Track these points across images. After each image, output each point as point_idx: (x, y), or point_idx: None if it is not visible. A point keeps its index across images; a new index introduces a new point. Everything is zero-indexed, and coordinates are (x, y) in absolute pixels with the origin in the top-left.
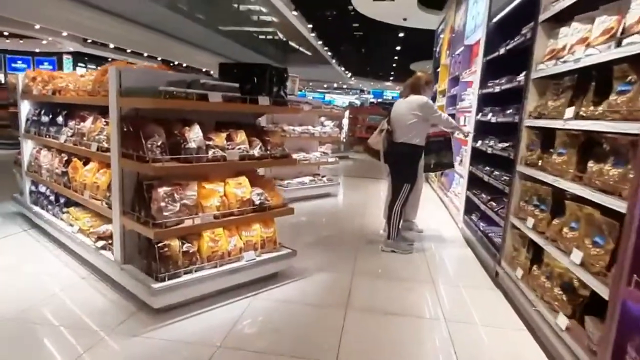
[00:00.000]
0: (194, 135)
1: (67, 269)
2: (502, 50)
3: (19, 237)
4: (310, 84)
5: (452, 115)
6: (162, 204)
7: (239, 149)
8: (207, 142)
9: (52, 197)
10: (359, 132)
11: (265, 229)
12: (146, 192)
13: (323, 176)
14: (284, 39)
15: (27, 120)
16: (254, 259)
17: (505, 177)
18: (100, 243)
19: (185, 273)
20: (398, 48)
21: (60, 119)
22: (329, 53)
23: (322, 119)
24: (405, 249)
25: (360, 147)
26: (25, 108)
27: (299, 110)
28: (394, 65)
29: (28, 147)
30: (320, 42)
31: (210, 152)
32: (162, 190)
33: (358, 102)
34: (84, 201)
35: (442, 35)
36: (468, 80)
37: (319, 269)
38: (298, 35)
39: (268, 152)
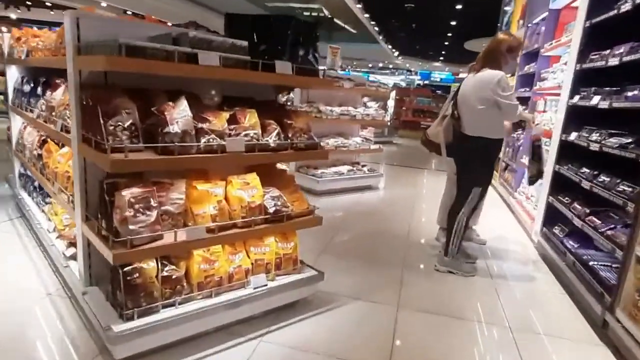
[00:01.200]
0: (179, 114)
1: (36, 279)
2: (626, 6)
3: (1, 227)
4: (355, 63)
5: (527, 99)
6: (128, 212)
7: (247, 135)
8: (200, 125)
9: (36, 183)
10: (405, 115)
11: (282, 243)
12: (107, 194)
13: (363, 165)
14: (330, 16)
15: (14, 90)
16: (265, 285)
17: (624, 187)
18: (71, 251)
19: (165, 307)
20: (453, 23)
21: (39, 89)
22: (376, 28)
23: (365, 99)
24: (467, 270)
25: (405, 132)
26: (12, 75)
27: (331, 84)
28: (446, 43)
29: (16, 123)
30: (367, 15)
31: (204, 140)
32: (128, 194)
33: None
34: (53, 194)
35: (511, 4)
36: (552, 55)
37: (352, 295)
38: (344, 11)
39: (289, 142)
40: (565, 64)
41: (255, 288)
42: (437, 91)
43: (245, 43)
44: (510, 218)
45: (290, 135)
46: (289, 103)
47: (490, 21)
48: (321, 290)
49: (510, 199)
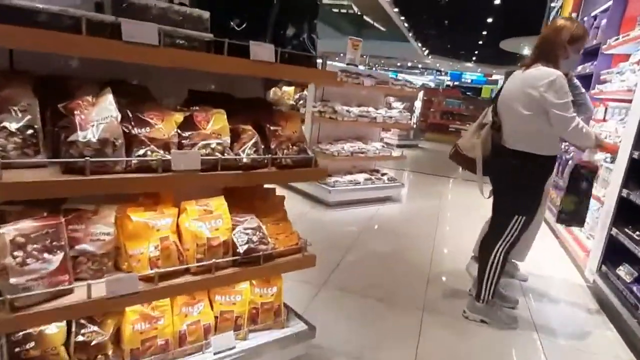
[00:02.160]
0: (98, 114)
1: None
2: None
3: None
4: (382, 61)
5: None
6: (11, 259)
7: (207, 146)
8: (136, 131)
9: None
10: (433, 117)
11: (261, 288)
12: None
13: (383, 174)
14: (359, 13)
15: None
16: (233, 348)
17: None
18: None
19: None
20: (489, 20)
21: None
22: (406, 25)
23: (391, 99)
24: (505, 321)
25: (432, 135)
26: None
27: (332, 78)
28: (480, 42)
29: None
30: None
31: (138, 153)
32: (12, 231)
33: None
34: None
35: None
36: (616, 53)
37: (353, 354)
38: (375, 7)
39: (269, 156)
40: (639, 62)
41: (217, 353)
42: (468, 93)
43: (205, 14)
44: (557, 248)
45: (273, 146)
46: (300, 102)
47: (532, 17)
48: (313, 345)
49: (557, 226)
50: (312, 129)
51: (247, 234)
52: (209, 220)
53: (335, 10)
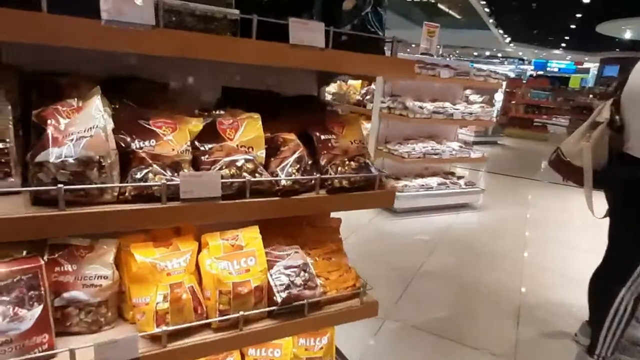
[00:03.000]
0: (81, 124)
1: None
2: None
3: None
4: (457, 51)
5: None
6: None
7: (233, 164)
8: (135, 145)
9: None
10: (515, 111)
11: (307, 339)
12: None
13: (459, 177)
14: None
15: None
16: None
17: None
18: None
19: None
20: (586, 0)
21: None
22: (487, 10)
23: (468, 92)
24: None
25: (514, 130)
26: None
27: (407, 68)
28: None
29: None
30: None
31: (135, 176)
32: None
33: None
34: None
35: None
36: None
37: None
38: None
39: (318, 175)
40: None
41: None
42: (555, 83)
43: None
44: None
45: (323, 162)
46: (367, 97)
47: None
48: None
49: None
50: (379, 127)
51: (288, 275)
52: (237, 259)
53: None
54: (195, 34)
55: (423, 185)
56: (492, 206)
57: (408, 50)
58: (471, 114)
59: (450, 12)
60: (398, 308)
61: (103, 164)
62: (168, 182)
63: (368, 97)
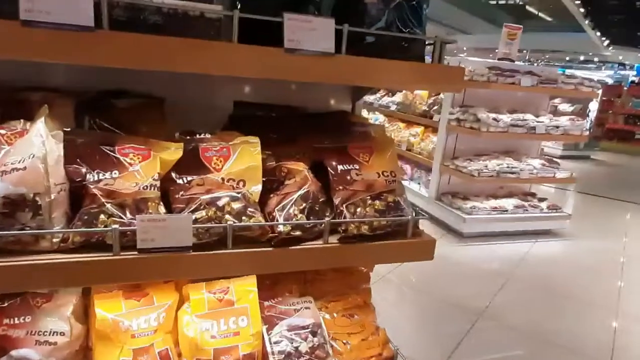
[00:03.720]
0: (18, 153)
1: None
2: None
3: None
4: (546, 56)
5: None
6: None
7: (214, 202)
8: (89, 178)
9: None
10: (613, 122)
11: None
12: None
13: (541, 199)
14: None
15: None
16: None
17: None
18: None
19: None
20: None
21: None
22: (582, 10)
23: (557, 100)
24: None
25: (611, 144)
26: None
27: (450, 77)
28: None
29: None
30: None
31: (82, 218)
32: None
33: (611, 81)
34: None
35: None
36: None
37: None
38: None
39: (328, 220)
40: None
41: None
42: None
43: None
44: None
45: (337, 200)
46: (434, 107)
47: None
48: None
49: None
50: (446, 140)
51: (291, 339)
52: (225, 318)
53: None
54: (147, 36)
55: (496, 207)
56: (580, 235)
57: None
58: (558, 127)
59: (540, 14)
60: None
61: (39, 202)
62: (121, 228)
63: (435, 107)
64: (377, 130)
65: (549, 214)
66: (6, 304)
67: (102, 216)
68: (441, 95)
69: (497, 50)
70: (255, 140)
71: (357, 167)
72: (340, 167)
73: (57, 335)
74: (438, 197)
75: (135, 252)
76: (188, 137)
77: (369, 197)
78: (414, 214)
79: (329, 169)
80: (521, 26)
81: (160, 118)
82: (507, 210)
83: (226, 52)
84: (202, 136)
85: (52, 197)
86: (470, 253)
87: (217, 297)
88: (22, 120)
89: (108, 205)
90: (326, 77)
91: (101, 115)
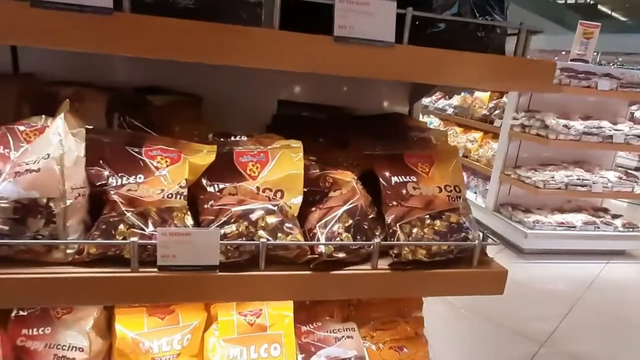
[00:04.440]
0: (34, 153)
1: None
2: None
3: None
4: (620, 59)
5: None
6: None
7: (247, 215)
8: (111, 183)
9: None
10: None
11: None
12: None
13: (615, 216)
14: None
15: None
16: None
17: None
18: None
19: None
20: None
21: None
22: None
23: (634, 107)
24: None
25: None
26: None
27: (539, 70)
28: None
29: None
30: None
31: (100, 228)
32: None
33: None
34: None
35: None
36: None
37: None
38: None
39: (377, 241)
40: None
41: None
42: None
43: None
44: None
45: (390, 218)
46: (496, 112)
47: None
48: None
49: None
50: (508, 148)
51: None
52: (256, 345)
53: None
54: (174, 21)
55: (562, 222)
56: None
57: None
58: (639, 137)
59: (614, 14)
60: None
61: (53, 209)
62: (140, 241)
63: (497, 111)
64: (438, 137)
65: (624, 233)
66: (26, 313)
67: (121, 226)
68: (504, 99)
69: (563, 52)
70: (298, 144)
71: (415, 179)
72: (394, 179)
73: (75, 350)
74: (496, 209)
75: (155, 270)
76: (222, 140)
77: (427, 216)
78: (481, 238)
79: (381, 180)
80: (599, 24)
81: (197, 118)
82: (575, 227)
83: (266, 40)
84: (237, 139)
85: (68, 203)
86: (532, 272)
87: (248, 321)
88: (43, 116)
89: (129, 214)
90: (384, 72)
91: (133, 113)
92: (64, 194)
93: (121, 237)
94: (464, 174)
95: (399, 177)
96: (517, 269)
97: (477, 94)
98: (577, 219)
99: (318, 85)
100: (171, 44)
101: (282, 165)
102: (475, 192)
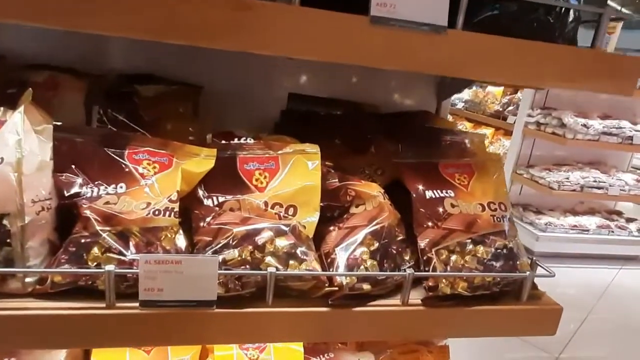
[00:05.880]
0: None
1: None
2: None
3: None
4: None
5: None
6: None
7: (251, 235)
8: (84, 194)
9: None
10: None
11: None
12: None
13: (630, 220)
14: None
15: None
16: None
17: None
18: None
19: None
20: None
21: None
22: None
23: None
24: None
25: None
26: None
27: (628, 71)
28: None
29: None
30: None
31: (69, 251)
32: None
33: None
34: None
35: None
36: None
37: None
38: None
39: (410, 272)
40: None
41: None
42: None
43: None
44: None
45: (425, 242)
46: (509, 108)
47: None
48: None
49: None
50: (521, 146)
51: None
52: None
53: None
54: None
55: (575, 225)
56: None
57: None
58: None
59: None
60: None
61: (7, 227)
62: (117, 270)
63: (510, 108)
64: (475, 141)
65: (639, 238)
66: None
67: (95, 250)
68: (519, 95)
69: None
70: (314, 149)
71: (453, 194)
72: (429, 194)
73: None
74: None
75: (136, 305)
76: (223, 142)
77: (469, 240)
78: (531, 267)
79: (413, 194)
80: (622, 18)
81: (195, 112)
82: (588, 230)
83: (282, 19)
84: (242, 141)
85: (27, 220)
86: (542, 278)
87: (250, 356)
88: (1, 109)
89: (105, 235)
90: (433, 64)
91: (117, 105)
92: (22, 209)
93: (95, 264)
94: None
95: (435, 191)
96: None
97: (490, 88)
98: (591, 222)
99: (335, 76)
100: (152, 20)
101: (296, 175)
102: None
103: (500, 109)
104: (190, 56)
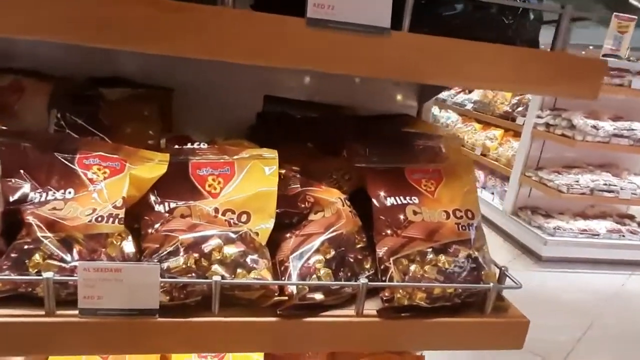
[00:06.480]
0: None
1: None
2: None
3: None
4: None
5: None
6: None
7: (202, 242)
8: (33, 200)
9: None
10: None
11: None
12: None
13: None
14: None
15: None
16: None
17: None
18: None
19: None
20: None
21: None
22: None
23: None
24: None
25: None
26: None
27: (588, 69)
28: None
29: None
30: None
31: (10, 257)
32: None
33: None
34: None
35: None
36: None
37: None
38: None
39: (364, 282)
40: None
41: None
42: None
43: None
44: None
45: (383, 251)
46: (518, 109)
47: None
48: None
49: None
50: (530, 148)
51: None
52: None
53: None
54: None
55: (585, 230)
56: None
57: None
58: None
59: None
60: None
61: None
62: (56, 277)
63: (520, 108)
64: (449, 145)
65: None
66: None
67: (36, 256)
68: (528, 95)
69: (591, 47)
70: (272, 154)
71: (417, 200)
72: (390, 200)
73: None
74: (514, 212)
75: (76, 314)
76: (177, 147)
77: (430, 249)
78: (497, 279)
79: (373, 201)
80: (635, 17)
81: (163, 115)
82: (598, 235)
83: (216, 21)
84: (195, 146)
85: None
86: (550, 281)
87: None
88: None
89: (47, 241)
90: (375, 68)
91: (78, 108)
92: None
93: (35, 271)
94: (481, 172)
95: (397, 197)
96: (534, 277)
97: None
98: (602, 226)
99: (312, 78)
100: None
101: (251, 181)
102: (493, 193)
103: (510, 110)
104: (163, 58)
